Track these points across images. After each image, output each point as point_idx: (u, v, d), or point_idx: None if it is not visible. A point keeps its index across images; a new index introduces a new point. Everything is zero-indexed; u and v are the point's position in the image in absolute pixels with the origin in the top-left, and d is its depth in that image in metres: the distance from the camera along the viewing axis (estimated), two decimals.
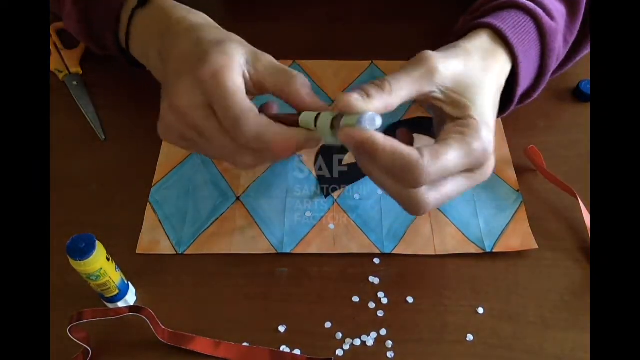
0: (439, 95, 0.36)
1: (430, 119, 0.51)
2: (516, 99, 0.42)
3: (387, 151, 0.32)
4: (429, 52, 0.36)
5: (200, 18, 0.41)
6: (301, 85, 0.37)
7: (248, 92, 0.37)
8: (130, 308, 0.37)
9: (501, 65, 0.39)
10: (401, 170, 0.32)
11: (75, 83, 0.54)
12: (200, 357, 0.38)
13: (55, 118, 0.49)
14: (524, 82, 0.41)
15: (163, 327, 0.38)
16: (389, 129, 0.51)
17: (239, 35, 0.40)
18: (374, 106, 0.33)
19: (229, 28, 0.53)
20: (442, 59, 0.36)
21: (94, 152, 0.49)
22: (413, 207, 0.35)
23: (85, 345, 0.37)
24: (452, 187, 0.35)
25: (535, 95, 0.45)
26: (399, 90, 0.34)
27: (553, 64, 0.43)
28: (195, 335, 0.39)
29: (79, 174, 0.48)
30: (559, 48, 0.43)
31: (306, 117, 0.35)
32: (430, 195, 0.34)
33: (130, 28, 0.44)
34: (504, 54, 0.39)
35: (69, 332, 0.36)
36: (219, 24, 0.42)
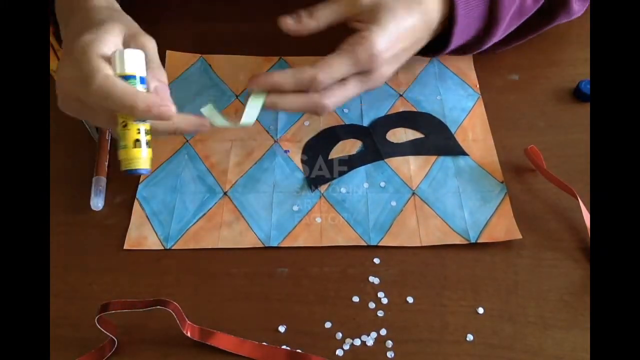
0: (358, 17, 0.43)
1: (417, 113, 0.52)
2: (452, 37, 0.46)
3: (289, 75, 0.41)
4: None
5: (103, 1, 0.43)
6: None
7: None
8: (157, 301, 0.36)
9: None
10: (301, 83, 0.41)
11: None
12: (225, 352, 0.38)
13: (51, 118, 0.49)
14: (462, 21, 0.45)
15: (189, 321, 0.38)
16: (375, 123, 0.51)
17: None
18: (305, 27, 0.43)
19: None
20: None
21: (89, 153, 0.49)
22: (318, 109, 0.43)
23: (111, 335, 0.37)
24: (345, 90, 0.43)
25: (489, 41, 0.48)
26: (324, 17, 0.42)
27: (506, 11, 0.46)
28: (220, 332, 0.39)
29: (75, 173, 0.48)
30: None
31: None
32: (326, 98, 0.42)
33: None
34: None
35: (97, 322, 0.36)
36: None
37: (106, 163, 0.48)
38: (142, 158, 0.38)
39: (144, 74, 0.38)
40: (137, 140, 0.38)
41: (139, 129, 0.38)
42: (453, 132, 0.51)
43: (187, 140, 0.50)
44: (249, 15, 0.61)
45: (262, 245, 0.43)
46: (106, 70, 0.37)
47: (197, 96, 0.53)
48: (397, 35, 0.42)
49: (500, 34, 0.48)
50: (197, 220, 0.45)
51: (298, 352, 0.38)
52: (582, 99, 0.53)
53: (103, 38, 0.38)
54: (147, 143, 0.38)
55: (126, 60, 0.37)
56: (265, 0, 0.61)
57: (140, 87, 0.38)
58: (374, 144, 0.50)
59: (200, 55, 0.57)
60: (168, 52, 0.56)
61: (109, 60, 0.37)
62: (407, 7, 0.42)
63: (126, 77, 0.37)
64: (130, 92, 0.36)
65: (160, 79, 0.39)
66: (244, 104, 0.53)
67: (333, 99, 0.42)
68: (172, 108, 0.37)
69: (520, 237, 0.43)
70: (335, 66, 0.41)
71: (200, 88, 0.54)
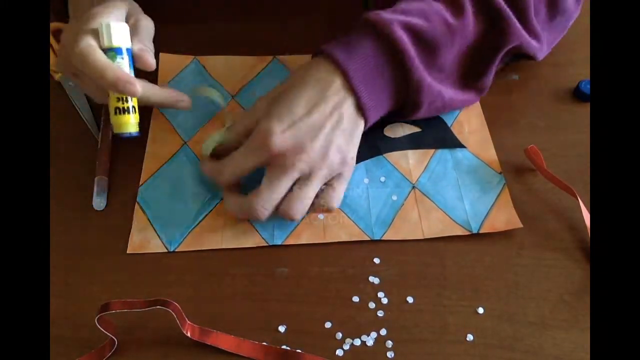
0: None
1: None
2: (367, 113, 0.43)
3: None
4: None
5: None
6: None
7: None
8: (157, 301, 0.36)
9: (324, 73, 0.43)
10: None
11: (71, 84, 0.53)
12: (225, 352, 0.38)
13: (51, 118, 0.49)
14: (352, 67, 0.42)
15: (189, 321, 0.38)
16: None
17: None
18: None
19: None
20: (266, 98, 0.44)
21: (90, 152, 0.49)
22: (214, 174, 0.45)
23: (111, 335, 0.37)
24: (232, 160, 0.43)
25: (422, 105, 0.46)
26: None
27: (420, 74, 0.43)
28: (220, 332, 0.39)
29: (76, 173, 0.48)
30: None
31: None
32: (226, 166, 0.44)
33: None
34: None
35: (97, 322, 0.36)
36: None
37: (108, 163, 0.48)
38: (124, 124, 0.43)
39: (128, 45, 0.42)
40: (117, 108, 0.42)
41: (118, 98, 0.42)
42: (449, 125, 0.51)
43: (185, 142, 0.50)
44: (242, 15, 0.60)
45: (266, 244, 0.43)
46: (92, 40, 0.40)
47: (192, 98, 0.53)
48: (284, 107, 0.41)
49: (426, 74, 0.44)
50: (199, 222, 0.45)
51: (298, 352, 0.38)
52: (582, 99, 0.53)
53: (108, 11, 0.42)
54: (127, 109, 0.42)
55: (112, 33, 0.41)
56: (258, 0, 0.61)
57: (124, 60, 0.42)
58: (372, 139, 0.50)
59: (193, 56, 0.56)
60: (161, 55, 0.56)
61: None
62: (285, 82, 0.44)
63: (112, 50, 0.41)
64: (103, 63, 0.40)
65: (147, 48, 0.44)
66: (241, 105, 0.53)
67: (230, 168, 0.43)
68: (137, 86, 0.41)
69: (521, 226, 0.44)
70: (235, 157, 0.43)
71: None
